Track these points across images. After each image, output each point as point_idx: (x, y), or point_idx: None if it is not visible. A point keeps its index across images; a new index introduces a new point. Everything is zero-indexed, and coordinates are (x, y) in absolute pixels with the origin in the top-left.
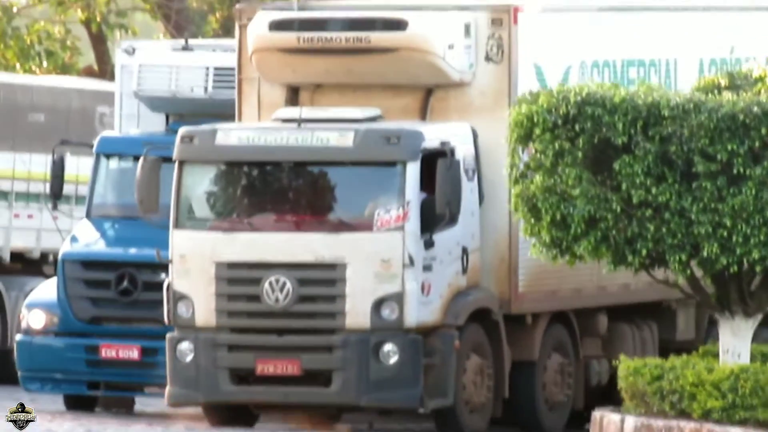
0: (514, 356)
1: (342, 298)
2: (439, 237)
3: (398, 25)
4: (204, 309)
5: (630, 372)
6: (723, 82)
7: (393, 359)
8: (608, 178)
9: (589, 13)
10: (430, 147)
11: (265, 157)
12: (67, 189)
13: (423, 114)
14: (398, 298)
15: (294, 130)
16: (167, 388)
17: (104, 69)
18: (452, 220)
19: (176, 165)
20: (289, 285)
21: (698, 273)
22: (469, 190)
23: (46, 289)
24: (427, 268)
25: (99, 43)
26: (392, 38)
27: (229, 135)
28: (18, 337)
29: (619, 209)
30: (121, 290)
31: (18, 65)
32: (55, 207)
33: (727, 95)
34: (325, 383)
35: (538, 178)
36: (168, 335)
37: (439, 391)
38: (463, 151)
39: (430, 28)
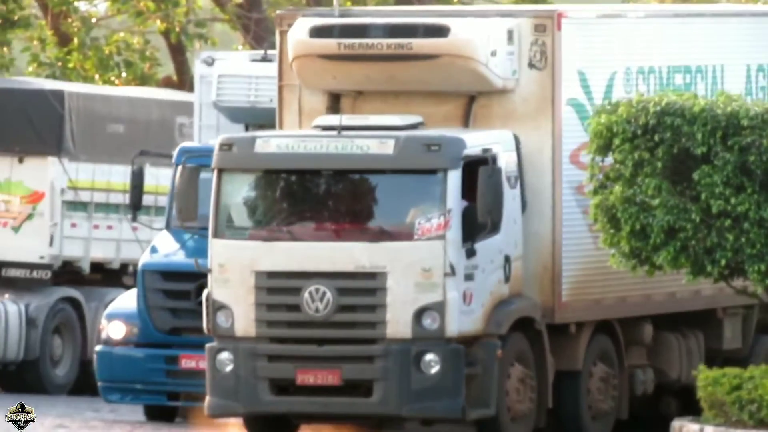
0: (558, 366)
1: (383, 308)
2: (480, 245)
3: (440, 31)
4: (244, 319)
5: (709, 382)
6: None
7: (434, 369)
8: (687, 188)
9: (633, 20)
10: (472, 154)
11: (304, 165)
12: (147, 200)
13: (465, 121)
14: (439, 307)
15: (334, 137)
16: (207, 399)
17: (183, 79)
18: (494, 228)
19: (215, 173)
20: (329, 294)
21: None
22: (511, 197)
23: (126, 300)
24: (468, 277)
25: (178, 53)
26: (434, 44)
27: (269, 143)
28: (98, 348)
29: (698, 219)
30: (201, 301)
31: (97, 76)
32: (134, 218)
33: None
34: (365, 393)
35: (617, 188)
36: (207, 345)
37: (481, 401)
38: (506, 159)
39: (473, 34)
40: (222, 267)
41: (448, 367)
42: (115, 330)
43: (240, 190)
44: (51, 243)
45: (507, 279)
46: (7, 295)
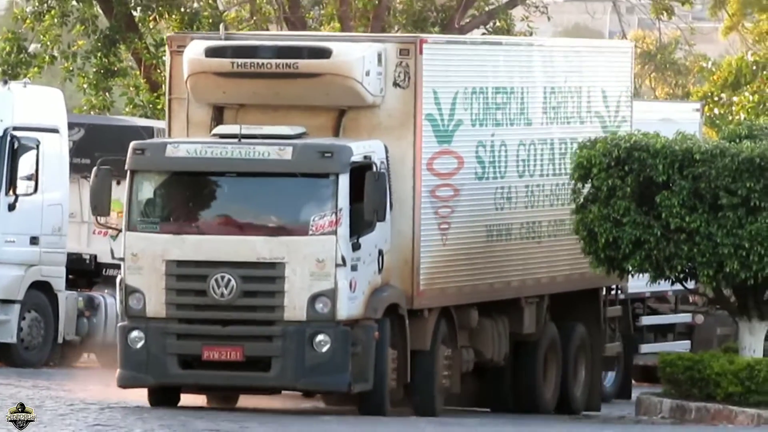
0: (413, 346)
1: (281, 294)
2: (362, 240)
3: (323, 53)
4: (155, 302)
5: (667, 363)
6: (743, 132)
7: (325, 348)
8: (651, 209)
9: (471, 46)
10: (357, 161)
11: (212, 168)
12: None
13: (336, 132)
14: (331, 294)
15: (236, 144)
16: (118, 371)
17: None
18: (371, 225)
19: (128, 174)
20: (233, 281)
21: (722, 285)
22: None
23: None
24: (353, 267)
25: None
26: (318, 65)
27: (178, 148)
28: None
29: (659, 233)
30: None
31: None
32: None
33: (747, 143)
34: (264, 368)
35: (594, 208)
36: (119, 324)
37: (362, 377)
38: (380, 165)
39: (351, 56)
40: (135, 256)
41: (338, 347)
42: None
43: (151, 189)
44: None
45: (380, 270)
46: (107, 290)
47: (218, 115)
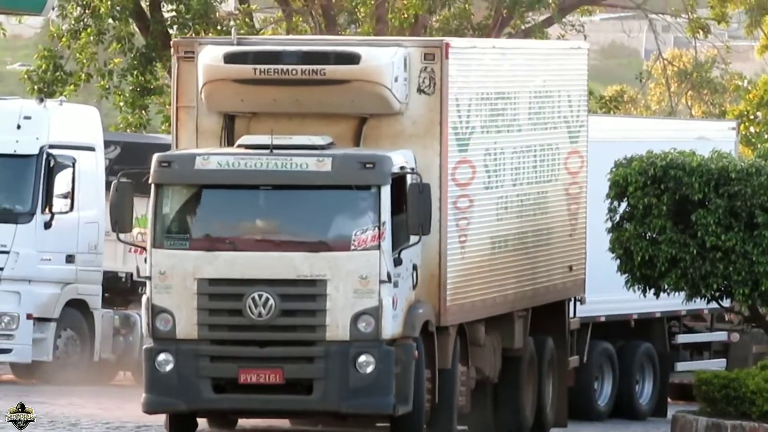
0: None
1: (322, 312)
2: (402, 255)
3: (351, 58)
4: (185, 322)
5: (703, 382)
6: None
7: (370, 368)
8: (687, 227)
9: (486, 50)
10: (395, 171)
11: (248, 180)
12: None
13: (357, 141)
14: (375, 312)
15: (270, 155)
16: (144, 396)
17: None
18: (413, 239)
19: (153, 188)
20: (271, 300)
21: (758, 303)
22: None
23: None
24: (395, 284)
25: None
26: (346, 71)
27: (208, 160)
28: None
29: (695, 252)
30: None
31: None
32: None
33: None
34: (306, 392)
35: (630, 226)
36: (145, 347)
37: (402, 398)
38: (415, 177)
39: (381, 61)
40: (163, 275)
41: (382, 367)
42: None
43: (179, 203)
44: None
45: (414, 285)
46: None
47: (230, 123)
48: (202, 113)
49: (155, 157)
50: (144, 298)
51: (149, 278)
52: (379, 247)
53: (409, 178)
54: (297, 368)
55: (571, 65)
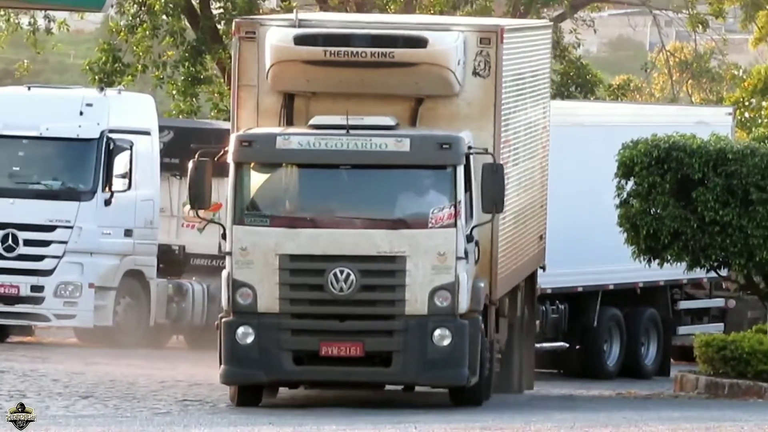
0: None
1: (402, 288)
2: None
3: (419, 42)
4: (267, 297)
5: (703, 343)
6: None
7: (446, 341)
8: (688, 203)
9: (526, 32)
10: (469, 152)
11: (329, 159)
12: None
13: (413, 121)
14: (452, 287)
15: (348, 136)
16: (222, 368)
17: None
18: (472, 215)
19: (233, 166)
20: (353, 275)
21: (753, 273)
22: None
23: None
24: (467, 260)
25: None
26: (414, 54)
27: (289, 140)
28: None
29: (695, 226)
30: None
31: None
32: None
33: None
34: (385, 364)
35: (637, 203)
36: (225, 320)
37: (473, 370)
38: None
39: (447, 45)
40: (244, 251)
41: (458, 341)
42: None
43: (259, 181)
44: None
45: (477, 261)
46: (194, 278)
47: (289, 102)
48: (263, 92)
49: (235, 136)
50: (224, 273)
51: (229, 254)
52: (455, 224)
53: (480, 159)
54: (376, 341)
55: (543, 44)
